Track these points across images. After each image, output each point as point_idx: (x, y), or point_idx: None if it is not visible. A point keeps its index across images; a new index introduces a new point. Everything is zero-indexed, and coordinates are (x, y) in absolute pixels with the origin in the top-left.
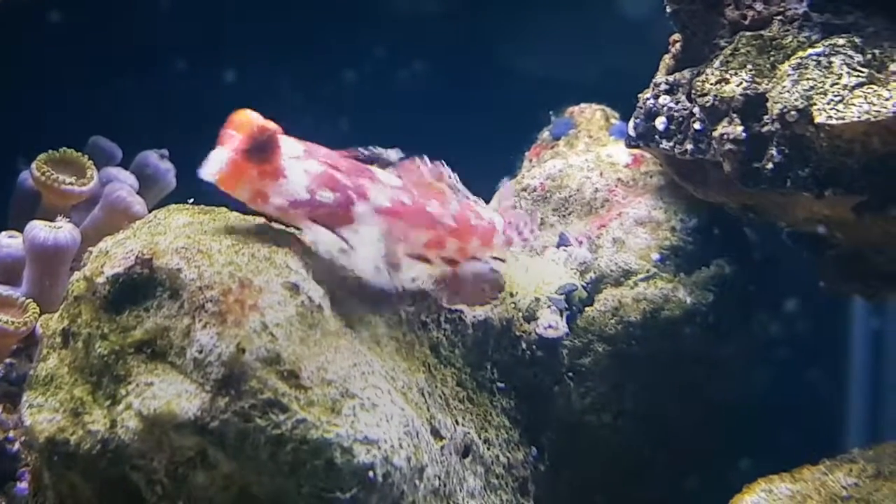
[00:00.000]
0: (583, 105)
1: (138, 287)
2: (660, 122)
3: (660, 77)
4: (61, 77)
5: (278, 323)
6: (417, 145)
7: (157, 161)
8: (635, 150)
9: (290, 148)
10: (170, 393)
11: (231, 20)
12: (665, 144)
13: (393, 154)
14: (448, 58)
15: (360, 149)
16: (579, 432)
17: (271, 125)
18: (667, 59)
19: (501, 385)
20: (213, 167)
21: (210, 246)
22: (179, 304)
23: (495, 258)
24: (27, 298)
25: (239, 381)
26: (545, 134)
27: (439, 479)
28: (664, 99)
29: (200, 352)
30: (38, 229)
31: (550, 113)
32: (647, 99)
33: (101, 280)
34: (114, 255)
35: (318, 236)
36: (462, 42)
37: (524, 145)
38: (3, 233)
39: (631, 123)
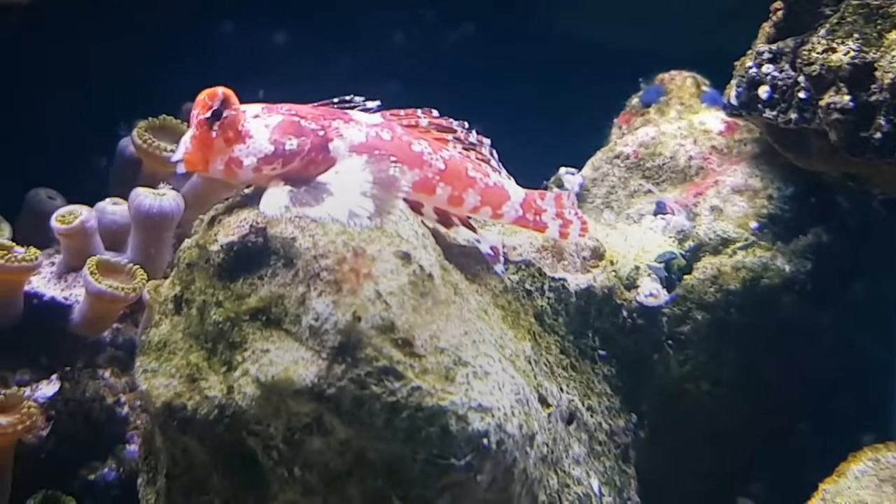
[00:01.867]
0: (673, 72)
1: (252, 255)
2: (763, 91)
3: (762, 46)
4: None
5: (392, 291)
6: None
7: None
8: (730, 118)
9: (250, 109)
10: (287, 360)
11: None
12: (768, 113)
13: (371, 104)
14: (498, 21)
15: (333, 99)
16: (678, 400)
17: (222, 88)
18: (766, 28)
19: (603, 353)
20: (180, 151)
21: None
22: (294, 273)
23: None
24: (134, 264)
25: (354, 349)
26: (634, 101)
27: (547, 446)
28: (767, 68)
29: (316, 319)
30: (144, 196)
31: (640, 80)
32: (750, 67)
33: (214, 248)
34: (227, 224)
35: (267, 196)
36: (512, 5)
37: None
38: (107, 199)
39: (732, 92)
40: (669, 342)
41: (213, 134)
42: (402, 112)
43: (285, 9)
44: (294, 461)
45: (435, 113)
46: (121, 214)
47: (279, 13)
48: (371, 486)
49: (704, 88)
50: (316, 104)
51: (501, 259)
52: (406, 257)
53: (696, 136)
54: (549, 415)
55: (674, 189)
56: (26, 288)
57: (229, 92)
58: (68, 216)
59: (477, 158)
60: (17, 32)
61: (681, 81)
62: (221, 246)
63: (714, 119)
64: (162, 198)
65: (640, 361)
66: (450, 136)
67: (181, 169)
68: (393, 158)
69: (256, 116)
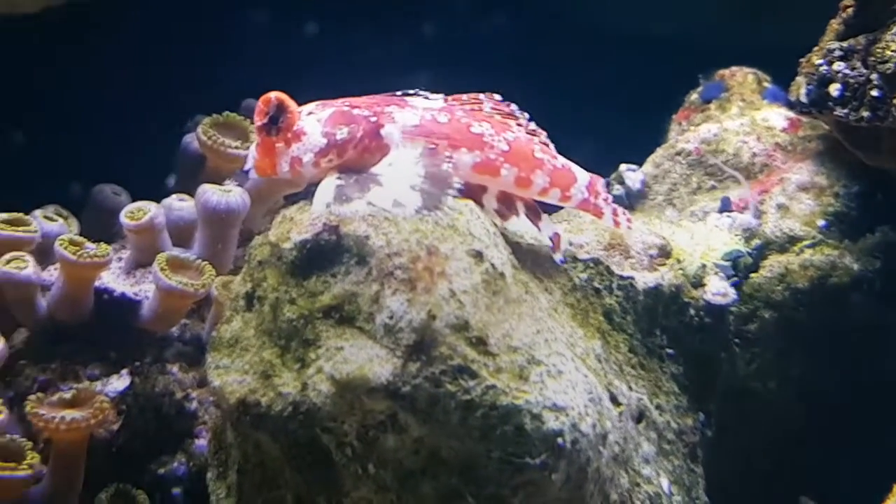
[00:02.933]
0: (733, 68)
1: (325, 253)
2: (834, 89)
3: (832, 43)
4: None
5: (465, 290)
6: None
7: None
8: (794, 115)
9: (306, 108)
10: (361, 358)
11: None
12: (839, 111)
13: (434, 96)
14: (535, 12)
15: (397, 92)
16: (744, 398)
17: (275, 93)
18: (834, 25)
19: (670, 351)
20: (249, 160)
21: (395, 213)
22: (367, 271)
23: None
24: (202, 260)
25: (429, 348)
26: (693, 96)
27: (618, 444)
28: (839, 65)
29: (391, 318)
30: (211, 193)
31: (699, 76)
32: (820, 65)
33: (287, 245)
34: (299, 222)
35: (317, 193)
36: None
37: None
38: (174, 196)
39: (802, 90)
40: (736, 340)
41: (274, 138)
42: (464, 97)
43: (342, 4)
44: (368, 458)
45: (497, 97)
46: (187, 210)
47: (336, 9)
48: (445, 483)
49: (766, 84)
50: (379, 95)
51: (562, 248)
52: (478, 255)
53: (759, 133)
54: (620, 413)
55: (737, 186)
56: (96, 283)
57: (282, 95)
58: (137, 212)
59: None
60: (83, 30)
61: (742, 77)
62: (294, 244)
63: (777, 115)
64: (229, 194)
65: (706, 360)
66: (512, 122)
67: (254, 176)
68: (448, 153)
69: (310, 113)
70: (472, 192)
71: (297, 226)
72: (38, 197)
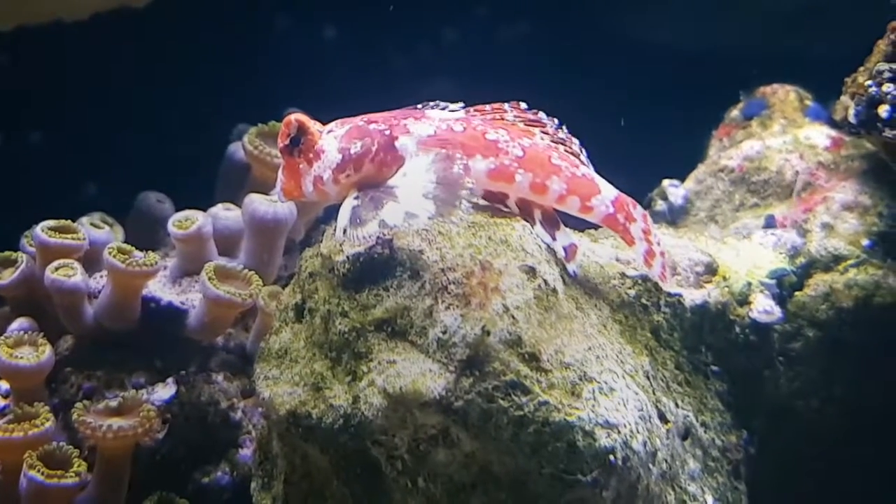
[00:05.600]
0: (775, 85)
1: (378, 266)
2: (884, 111)
3: (882, 65)
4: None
5: (518, 306)
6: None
7: None
8: (837, 134)
9: (327, 126)
10: (414, 372)
11: None
12: (889, 133)
13: (454, 106)
14: (558, 19)
15: (418, 105)
16: (786, 416)
17: (296, 114)
18: (882, 45)
19: (715, 369)
20: (277, 184)
21: (449, 228)
22: (420, 285)
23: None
24: (248, 270)
25: (482, 363)
26: (734, 113)
27: (666, 461)
28: (889, 87)
29: (444, 332)
30: (259, 203)
31: (740, 92)
32: (869, 86)
33: (339, 258)
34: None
35: (338, 219)
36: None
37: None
38: (220, 205)
39: (851, 111)
40: (780, 359)
41: (297, 159)
42: (487, 107)
43: (386, 17)
44: (418, 472)
45: (523, 106)
46: (234, 220)
47: (380, 21)
48: (495, 499)
49: (808, 102)
50: (399, 110)
51: (577, 259)
52: (531, 271)
53: (801, 151)
54: (668, 431)
55: (780, 204)
56: (144, 292)
57: (302, 117)
58: (185, 222)
59: (566, 152)
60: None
61: (783, 95)
62: (347, 257)
63: (819, 134)
64: (276, 204)
65: (751, 377)
66: (537, 130)
67: (283, 199)
68: (459, 155)
69: (330, 132)
70: (493, 199)
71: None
72: (78, 202)
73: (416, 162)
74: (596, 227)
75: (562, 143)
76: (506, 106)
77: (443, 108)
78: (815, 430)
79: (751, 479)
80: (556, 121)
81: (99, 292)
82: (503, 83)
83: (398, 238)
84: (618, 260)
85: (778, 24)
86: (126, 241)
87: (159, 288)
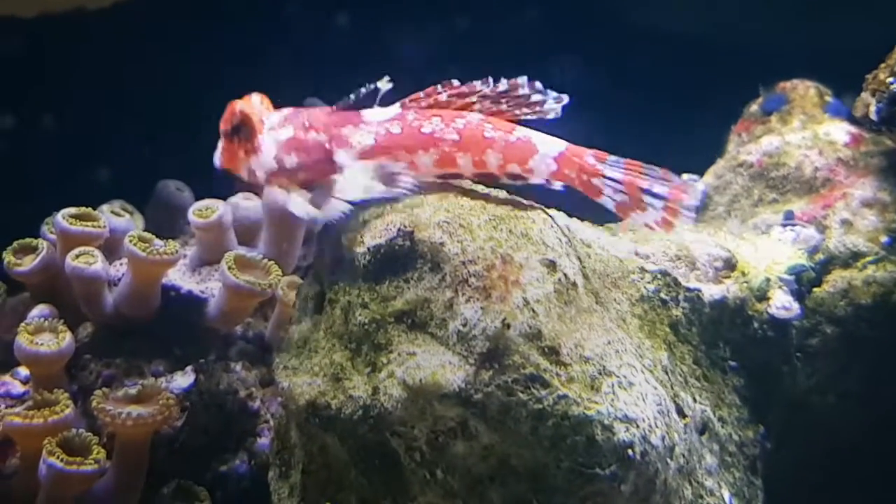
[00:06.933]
0: (794, 81)
1: (398, 258)
2: None
3: None
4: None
5: (538, 299)
6: None
7: None
8: (855, 130)
9: (271, 119)
10: (434, 364)
11: None
12: None
13: (384, 83)
14: (575, 11)
15: (349, 96)
16: (802, 412)
17: (242, 106)
18: None
19: (733, 363)
20: (216, 154)
21: (470, 221)
22: (441, 277)
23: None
24: (268, 260)
25: (502, 356)
26: (753, 108)
27: (684, 456)
28: None
29: (465, 325)
30: (278, 193)
31: (760, 87)
32: (892, 83)
33: (360, 250)
34: (373, 226)
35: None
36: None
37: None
38: (240, 194)
39: (872, 108)
40: (798, 354)
41: (235, 145)
42: (421, 94)
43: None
44: (437, 464)
45: (455, 82)
46: (253, 210)
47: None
48: (513, 491)
49: (827, 98)
50: (335, 106)
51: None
52: (552, 265)
53: (821, 148)
54: (685, 425)
55: (799, 200)
56: (163, 280)
57: (247, 110)
58: (205, 211)
59: (512, 104)
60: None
61: (803, 91)
62: (368, 248)
63: (839, 130)
64: None
65: (768, 373)
66: (475, 98)
67: (219, 166)
68: (406, 160)
69: (272, 129)
70: (452, 178)
71: (371, 230)
72: (96, 190)
73: (355, 165)
74: (616, 219)
75: (506, 95)
76: (438, 87)
77: (377, 98)
78: (832, 425)
79: (767, 473)
80: (490, 79)
81: (119, 280)
82: (516, 75)
83: (419, 230)
84: (637, 254)
85: (800, 16)
86: (145, 230)
87: (179, 276)
